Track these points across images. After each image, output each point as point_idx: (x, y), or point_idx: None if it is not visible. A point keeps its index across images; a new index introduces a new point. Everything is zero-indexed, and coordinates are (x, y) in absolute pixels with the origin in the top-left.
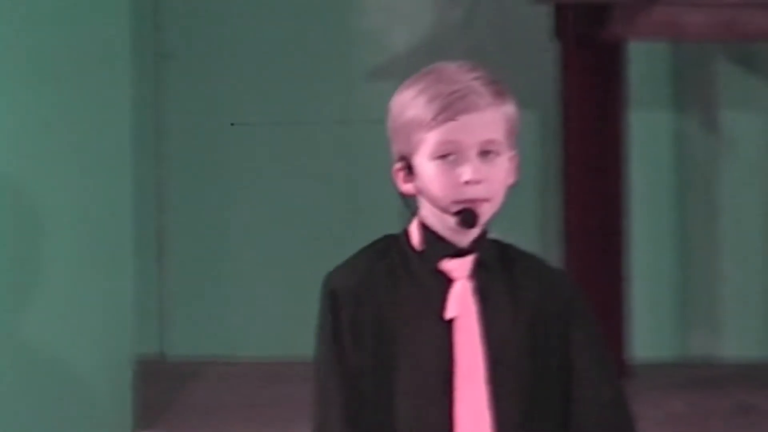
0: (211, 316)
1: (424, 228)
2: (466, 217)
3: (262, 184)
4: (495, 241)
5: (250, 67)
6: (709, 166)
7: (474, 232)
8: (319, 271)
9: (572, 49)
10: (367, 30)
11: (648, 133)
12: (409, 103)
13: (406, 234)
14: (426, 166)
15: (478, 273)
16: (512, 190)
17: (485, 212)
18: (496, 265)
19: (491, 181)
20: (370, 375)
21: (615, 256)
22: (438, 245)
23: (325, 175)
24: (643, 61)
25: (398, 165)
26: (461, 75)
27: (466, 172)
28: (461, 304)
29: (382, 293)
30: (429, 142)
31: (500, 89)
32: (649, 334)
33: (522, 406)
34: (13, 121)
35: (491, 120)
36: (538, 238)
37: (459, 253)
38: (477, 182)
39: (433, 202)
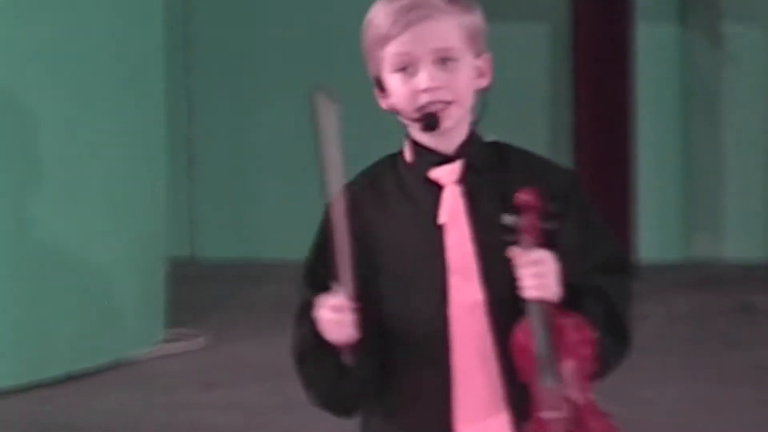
0: (239, 220)
1: (412, 141)
2: (428, 121)
3: (286, 94)
4: (490, 143)
5: None
6: (714, 78)
7: (458, 138)
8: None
9: None
10: None
11: (655, 46)
12: (370, 21)
13: (401, 151)
14: (391, 81)
15: (467, 177)
16: (524, 100)
17: (452, 115)
18: (488, 168)
19: (452, 86)
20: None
21: (623, 163)
22: (425, 155)
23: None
24: None
25: (375, 85)
26: None
27: (422, 81)
28: (451, 209)
29: (372, 207)
30: (388, 56)
31: None
32: (655, 237)
33: (513, 297)
34: (52, 30)
35: (444, 29)
36: (549, 146)
37: (447, 159)
38: (435, 89)
39: (401, 113)
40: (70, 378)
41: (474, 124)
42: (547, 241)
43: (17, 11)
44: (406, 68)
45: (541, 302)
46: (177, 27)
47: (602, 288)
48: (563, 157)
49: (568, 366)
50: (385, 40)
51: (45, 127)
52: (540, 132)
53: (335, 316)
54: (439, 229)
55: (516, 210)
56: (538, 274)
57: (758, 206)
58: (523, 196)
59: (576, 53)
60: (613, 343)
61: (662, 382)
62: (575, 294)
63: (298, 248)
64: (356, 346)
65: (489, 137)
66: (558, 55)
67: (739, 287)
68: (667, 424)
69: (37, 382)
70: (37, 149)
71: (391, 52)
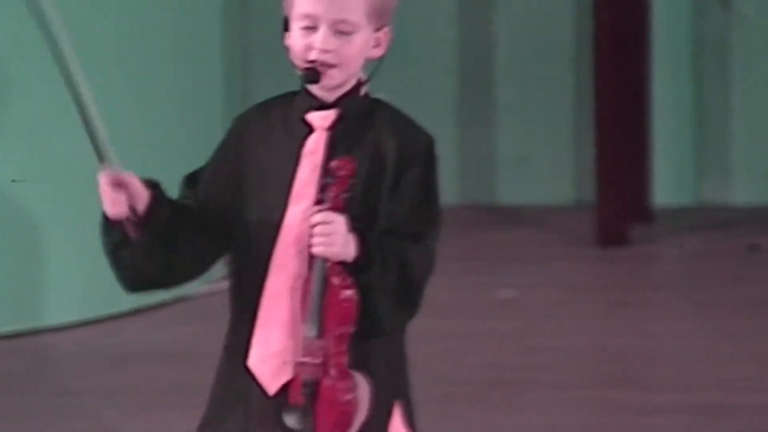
0: None
1: (302, 84)
2: (310, 75)
3: None
4: (371, 100)
5: None
6: (724, 31)
7: (338, 90)
8: None
9: None
10: None
11: (669, 3)
12: None
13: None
14: (294, 28)
15: (339, 125)
16: (552, 58)
17: (334, 76)
18: (360, 121)
19: (341, 53)
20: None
21: (640, 115)
22: (307, 99)
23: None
24: None
25: (283, 23)
26: None
27: (316, 41)
28: (312, 149)
29: (256, 131)
30: (296, 9)
31: None
32: (669, 183)
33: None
34: None
35: (347, 3)
36: (574, 97)
37: (326, 107)
38: (325, 51)
39: (294, 58)
40: (138, 311)
41: (361, 82)
42: (346, 208)
43: None
44: (308, 25)
45: (324, 259)
46: None
47: (404, 255)
48: (586, 108)
49: (329, 321)
50: None
51: (102, 79)
52: (565, 85)
53: (109, 193)
54: (298, 163)
55: (329, 173)
56: (326, 233)
57: (765, 154)
58: (339, 163)
59: (597, 11)
60: (396, 308)
61: (675, 316)
62: (372, 255)
63: None
64: (137, 223)
65: (376, 94)
66: (581, 18)
67: (746, 229)
68: (679, 354)
69: (107, 315)
70: (100, 99)
71: (299, 8)
